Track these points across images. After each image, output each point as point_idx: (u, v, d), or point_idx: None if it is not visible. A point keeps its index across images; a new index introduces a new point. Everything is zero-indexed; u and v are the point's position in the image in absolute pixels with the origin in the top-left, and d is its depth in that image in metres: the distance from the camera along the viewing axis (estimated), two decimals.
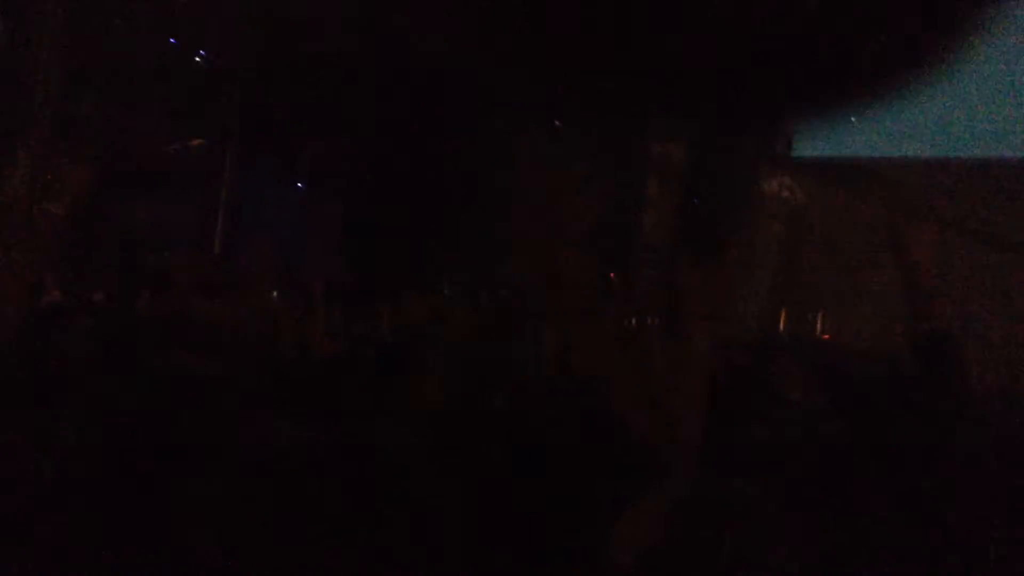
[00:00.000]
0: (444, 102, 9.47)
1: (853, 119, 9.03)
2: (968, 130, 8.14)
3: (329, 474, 1.93)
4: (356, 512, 1.92)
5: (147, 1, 8.96)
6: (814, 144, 9.47)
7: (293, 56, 9.50)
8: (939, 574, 2.00)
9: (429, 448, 2.07)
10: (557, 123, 9.91)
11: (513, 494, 1.95)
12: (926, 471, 2.10)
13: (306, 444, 2.00)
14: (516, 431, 2.16)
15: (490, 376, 2.31)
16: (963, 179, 7.92)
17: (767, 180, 9.46)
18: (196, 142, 10.37)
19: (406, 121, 9.67)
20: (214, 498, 1.99)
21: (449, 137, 9.47)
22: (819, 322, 7.74)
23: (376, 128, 9.99)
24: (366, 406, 2.16)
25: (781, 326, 7.87)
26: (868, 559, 1.99)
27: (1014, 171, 7.81)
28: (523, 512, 1.93)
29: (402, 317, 2.97)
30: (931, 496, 2.05)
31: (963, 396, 2.29)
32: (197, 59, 10.38)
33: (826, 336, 7.67)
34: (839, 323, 7.63)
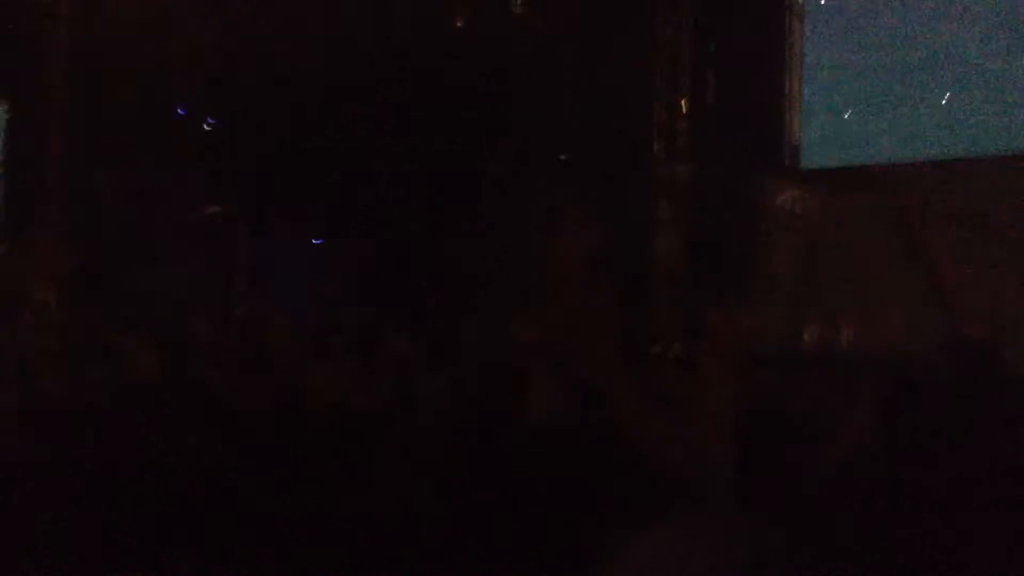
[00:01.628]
0: (450, 142, 9.56)
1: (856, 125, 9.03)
2: (971, 128, 8.12)
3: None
4: None
5: (153, 71, 9.08)
6: (820, 153, 9.46)
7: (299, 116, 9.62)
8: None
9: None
10: (562, 156, 9.95)
11: (535, 533, 1.94)
12: (967, 476, 2.06)
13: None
14: (535, 467, 2.14)
15: (507, 412, 2.30)
16: (971, 178, 7.88)
17: (776, 193, 9.43)
18: (212, 209, 10.45)
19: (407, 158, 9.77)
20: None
21: (454, 175, 9.52)
22: (844, 334, 7.66)
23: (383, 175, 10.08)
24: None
25: (805, 341, 7.79)
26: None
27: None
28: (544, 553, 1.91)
29: (412, 368, 2.97)
30: (969, 500, 2.01)
31: (1001, 398, 2.24)
32: (206, 126, 10.53)
33: (853, 347, 7.60)
34: (864, 333, 7.54)
